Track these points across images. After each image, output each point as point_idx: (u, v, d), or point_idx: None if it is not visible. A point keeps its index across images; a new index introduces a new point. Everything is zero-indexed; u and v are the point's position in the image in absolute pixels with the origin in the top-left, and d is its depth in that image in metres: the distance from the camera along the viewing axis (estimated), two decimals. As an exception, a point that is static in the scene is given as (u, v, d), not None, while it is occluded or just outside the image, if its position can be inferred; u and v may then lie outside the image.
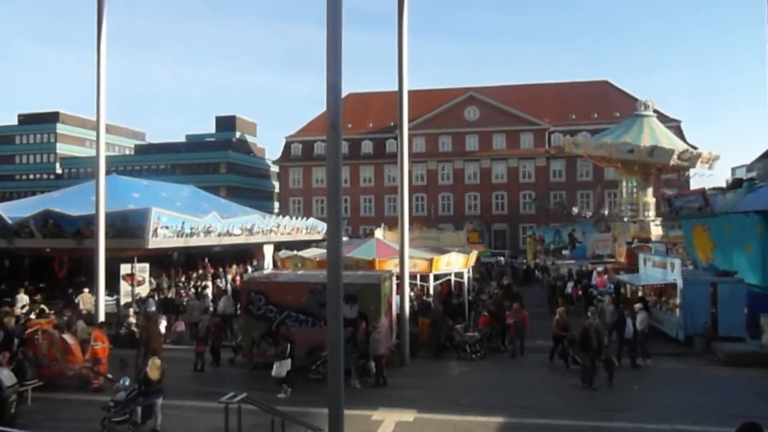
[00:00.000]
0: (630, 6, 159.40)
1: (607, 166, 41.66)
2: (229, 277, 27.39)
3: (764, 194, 20.98)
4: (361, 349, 14.04)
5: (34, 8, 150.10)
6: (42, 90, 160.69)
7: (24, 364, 12.51)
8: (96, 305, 17.26)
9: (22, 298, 19.93)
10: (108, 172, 20.08)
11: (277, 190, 78.23)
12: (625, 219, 35.11)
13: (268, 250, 30.20)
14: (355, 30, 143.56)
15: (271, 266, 28.03)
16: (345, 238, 24.64)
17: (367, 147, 64.74)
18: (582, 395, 13.37)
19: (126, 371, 13.02)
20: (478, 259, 27.12)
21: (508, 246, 58.05)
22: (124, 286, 20.57)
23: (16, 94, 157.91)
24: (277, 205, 75.38)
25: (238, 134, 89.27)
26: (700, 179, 37.59)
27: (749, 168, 78.03)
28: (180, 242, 22.46)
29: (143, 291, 21.06)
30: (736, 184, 31.20)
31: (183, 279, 26.62)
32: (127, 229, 20.16)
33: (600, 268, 28.09)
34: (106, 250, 17.25)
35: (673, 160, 31.68)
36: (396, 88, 16.37)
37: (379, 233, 29.22)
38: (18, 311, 18.05)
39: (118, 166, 61.88)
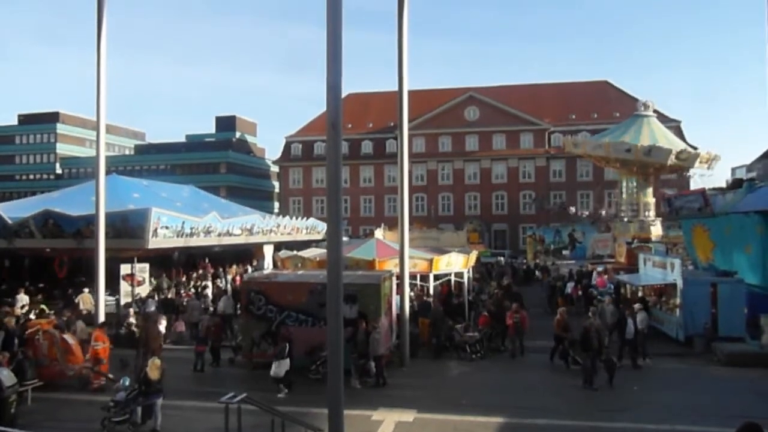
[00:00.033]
0: (630, 6, 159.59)
1: (606, 166, 41.66)
2: (229, 277, 27.39)
3: (764, 194, 20.97)
4: (361, 349, 14.03)
5: (34, 8, 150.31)
6: (42, 90, 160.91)
7: (24, 364, 12.51)
8: (96, 305, 17.26)
9: (22, 298, 19.94)
10: (108, 172, 20.09)
11: (277, 190, 78.23)
12: (625, 219, 35.12)
13: (268, 250, 30.21)
14: (355, 30, 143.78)
15: (271, 266, 28.04)
16: (345, 238, 24.64)
17: (367, 147, 64.74)
18: (582, 395, 13.37)
19: (126, 371, 13.03)
20: (478, 260, 27.12)
21: (508, 246, 58.03)
22: (124, 287, 20.56)
23: (16, 94, 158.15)
24: (277, 205, 75.37)
25: (238, 134, 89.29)
26: (700, 179, 37.56)
27: (749, 168, 78.00)
28: (180, 242, 22.47)
29: (143, 291, 21.06)
30: (736, 184, 31.14)
31: (184, 279, 26.62)
32: (127, 229, 20.17)
33: (600, 269, 28.11)
34: (106, 250, 17.25)
35: (671, 160, 31.69)
36: (396, 88, 16.37)
37: (379, 233, 29.20)
38: (18, 311, 18.05)
39: (118, 166, 61.88)
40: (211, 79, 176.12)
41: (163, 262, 25.60)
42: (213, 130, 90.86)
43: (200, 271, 28.14)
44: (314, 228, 35.15)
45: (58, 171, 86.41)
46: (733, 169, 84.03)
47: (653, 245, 30.02)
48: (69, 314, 17.55)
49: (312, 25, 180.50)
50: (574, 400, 12.95)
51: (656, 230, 34.02)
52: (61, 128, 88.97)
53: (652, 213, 34.93)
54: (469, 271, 22.71)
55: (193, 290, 23.84)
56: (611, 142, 33.64)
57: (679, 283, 18.36)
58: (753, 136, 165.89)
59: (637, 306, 17.33)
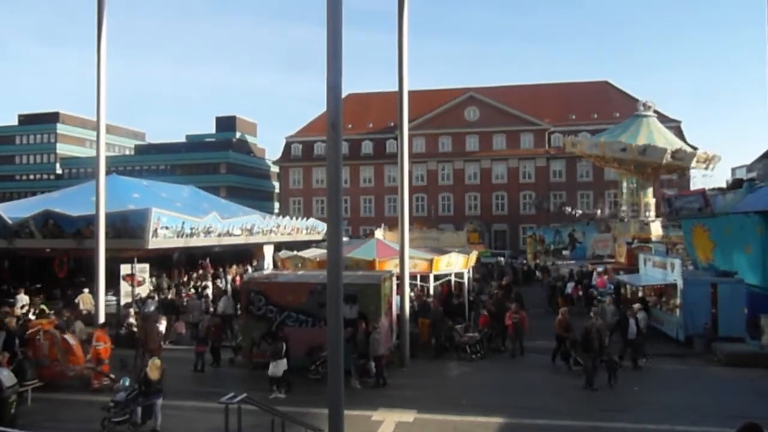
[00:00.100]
0: (630, 6, 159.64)
1: (605, 166, 41.66)
2: (229, 277, 27.38)
3: (764, 194, 20.96)
4: (361, 349, 14.03)
5: (34, 8, 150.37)
6: (42, 90, 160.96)
7: (24, 365, 12.50)
8: (96, 306, 17.26)
9: (22, 299, 19.94)
10: (108, 173, 20.08)
11: (277, 190, 78.26)
12: (625, 219, 35.12)
13: (268, 251, 30.20)
14: (356, 30, 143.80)
15: (271, 266, 28.03)
16: (345, 239, 24.62)
17: (367, 147, 64.76)
18: (582, 395, 13.37)
19: (125, 371, 13.03)
20: (478, 260, 27.12)
21: (508, 246, 58.04)
22: (124, 287, 20.56)
23: (16, 94, 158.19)
24: (277, 205, 75.40)
25: (238, 134, 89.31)
26: (701, 180, 37.66)
27: (749, 168, 77.97)
28: (180, 242, 22.47)
29: (143, 291, 21.06)
30: (736, 184, 31.14)
31: (184, 279, 26.63)
32: (127, 230, 20.17)
33: (600, 269, 28.11)
34: (106, 250, 17.25)
35: (666, 159, 31.68)
36: (396, 89, 16.37)
37: (379, 233, 29.20)
38: (18, 311, 18.05)
39: (118, 166, 61.89)
40: (211, 79, 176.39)
41: (163, 262, 25.62)
42: (213, 131, 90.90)
43: (200, 272, 28.15)
44: (314, 228, 35.15)
45: (58, 171, 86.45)
46: (733, 170, 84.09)
47: (653, 245, 30.03)
48: (68, 314, 17.55)
49: (312, 25, 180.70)
50: (574, 401, 12.95)
51: (656, 230, 34.00)
52: (61, 128, 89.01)
53: (652, 213, 34.92)
54: (469, 272, 22.71)
55: (193, 290, 23.84)
56: (607, 141, 33.67)
57: (679, 284, 18.36)
58: (753, 136, 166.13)
59: (636, 306, 17.35)
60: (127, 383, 11.21)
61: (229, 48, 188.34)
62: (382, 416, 11.58)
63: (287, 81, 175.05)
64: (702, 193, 23.58)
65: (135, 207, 21.85)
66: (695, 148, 35.41)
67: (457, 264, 20.78)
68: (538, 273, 36.76)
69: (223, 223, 25.27)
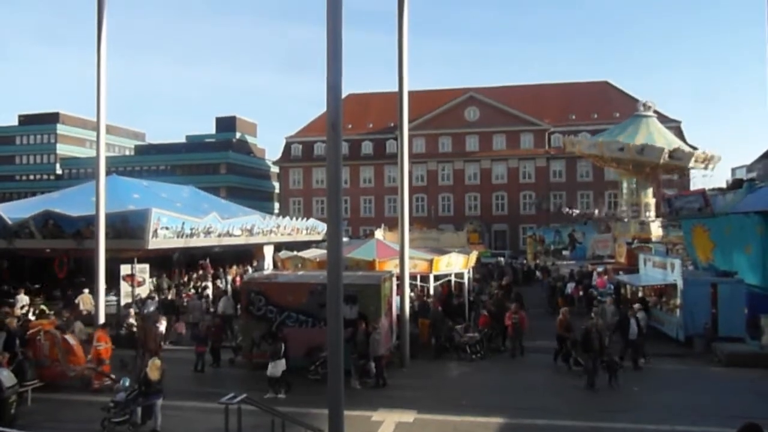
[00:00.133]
0: (630, 6, 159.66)
1: (604, 166, 41.74)
2: (230, 277, 27.38)
3: (764, 195, 20.97)
4: (360, 349, 14.03)
5: (34, 8, 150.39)
6: (42, 90, 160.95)
7: (24, 365, 12.51)
8: (96, 306, 17.26)
9: (22, 299, 19.94)
10: (108, 173, 20.07)
11: (277, 190, 78.28)
12: (626, 219, 35.13)
13: (269, 251, 30.20)
14: (355, 30, 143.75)
15: (271, 267, 28.04)
16: (345, 239, 24.63)
17: (367, 147, 64.78)
18: (582, 396, 13.37)
19: (125, 372, 13.03)
20: (478, 260, 27.12)
21: (508, 246, 58.05)
22: (124, 287, 20.57)
23: (16, 94, 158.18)
24: (277, 205, 75.40)
25: (238, 135, 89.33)
26: (701, 180, 37.73)
27: (749, 168, 77.95)
28: (180, 243, 22.46)
29: (143, 292, 21.07)
30: (736, 184, 31.15)
31: (184, 279, 26.63)
32: (127, 230, 20.17)
33: (600, 269, 28.11)
34: (106, 250, 17.24)
35: (664, 159, 31.71)
36: (396, 89, 16.38)
37: (379, 234, 29.21)
38: (18, 312, 18.05)
39: (118, 166, 61.87)
40: (211, 79, 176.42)
41: (163, 262, 25.60)
42: (213, 131, 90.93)
43: (200, 272, 28.15)
44: (314, 228, 35.15)
45: (59, 171, 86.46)
46: (734, 170, 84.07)
47: (653, 245, 30.03)
48: (68, 315, 17.55)
49: (312, 25, 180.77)
50: (574, 401, 12.94)
51: (656, 230, 34.01)
52: (61, 129, 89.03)
53: (652, 213, 34.94)
54: (469, 272, 22.71)
55: (193, 291, 23.84)
56: (604, 141, 33.73)
57: (680, 284, 18.36)
58: (753, 136, 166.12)
59: (636, 306, 17.35)
60: (127, 383, 11.21)
61: (229, 48, 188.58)
62: (382, 416, 11.58)
63: (287, 81, 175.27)
64: (702, 193, 23.58)
65: (135, 207, 21.85)
66: (695, 148, 35.45)
67: (457, 264, 20.78)
68: (538, 273, 36.75)
69: (223, 224, 25.28)
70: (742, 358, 15.80)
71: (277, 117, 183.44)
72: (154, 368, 10.85)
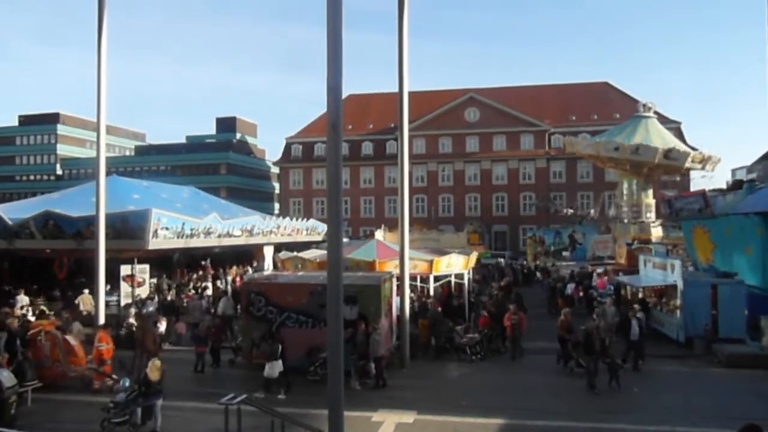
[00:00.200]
0: (630, 6, 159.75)
1: (602, 166, 41.76)
2: (229, 278, 27.39)
3: (764, 195, 20.96)
4: (360, 350, 14.03)
5: (34, 8, 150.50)
6: (42, 90, 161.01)
7: (24, 365, 12.51)
8: (96, 306, 17.26)
9: (22, 299, 19.94)
10: (108, 173, 20.07)
11: (277, 191, 78.31)
12: (626, 220, 35.14)
13: (269, 252, 30.21)
14: (356, 31, 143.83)
15: (271, 267, 28.03)
16: (345, 240, 24.63)
17: (367, 148, 64.79)
18: (582, 397, 13.36)
19: (123, 372, 13.03)
20: (478, 261, 27.12)
21: (508, 247, 58.08)
22: (125, 288, 20.57)
23: (16, 95, 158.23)
24: (277, 206, 75.42)
25: (238, 135, 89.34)
26: (701, 181, 37.79)
27: (749, 169, 77.85)
28: (180, 243, 22.46)
29: (143, 292, 21.07)
30: (736, 185, 31.15)
31: (185, 280, 26.63)
32: (128, 230, 20.17)
33: (600, 270, 28.09)
34: (107, 251, 17.24)
35: (659, 158, 31.73)
36: (396, 90, 16.38)
37: (379, 234, 29.24)
38: (17, 312, 18.05)
39: (119, 167, 61.89)
40: (211, 79, 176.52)
41: (163, 263, 25.61)
42: (213, 131, 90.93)
43: (200, 273, 28.15)
44: (314, 229, 35.15)
45: (59, 172, 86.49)
46: (734, 171, 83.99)
47: (653, 246, 30.03)
48: (67, 315, 17.55)
49: (312, 25, 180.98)
50: (574, 402, 12.93)
51: (656, 231, 34.01)
52: (61, 129, 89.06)
53: (652, 214, 34.95)
54: (469, 273, 22.70)
55: (193, 291, 23.83)
56: (601, 141, 33.75)
57: (680, 285, 18.35)
58: (753, 137, 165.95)
59: (636, 307, 17.33)
60: (127, 384, 11.21)
61: (229, 48, 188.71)
62: (382, 417, 11.58)
63: (287, 81, 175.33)
64: (702, 194, 23.56)
65: (135, 208, 21.84)
66: (695, 149, 35.47)
67: (457, 265, 20.78)
68: (538, 274, 36.76)
69: (223, 224, 25.28)
70: (743, 359, 15.78)
71: (277, 117, 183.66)
72: (154, 369, 10.84)
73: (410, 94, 17.01)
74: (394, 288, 17.08)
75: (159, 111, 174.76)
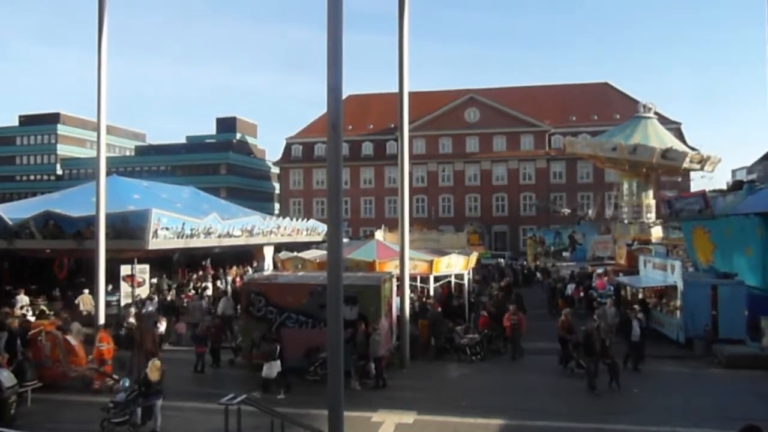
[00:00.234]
0: (630, 7, 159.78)
1: (603, 167, 41.81)
2: (230, 278, 27.40)
3: (765, 196, 20.96)
4: (360, 350, 14.04)
5: (34, 8, 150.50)
6: (42, 90, 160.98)
7: (24, 365, 12.52)
8: (96, 306, 17.26)
9: (22, 299, 19.94)
10: (108, 173, 20.07)
11: (277, 191, 78.31)
12: (626, 221, 35.16)
13: (269, 252, 30.21)
14: (356, 32, 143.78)
15: (271, 268, 28.03)
16: (345, 240, 24.62)
17: (367, 148, 64.80)
18: (582, 397, 13.35)
19: (123, 372, 13.04)
20: (478, 261, 27.11)
21: (508, 248, 58.06)
22: (125, 288, 20.57)
23: (16, 95, 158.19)
24: (277, 206, 75.42)
25: (238, 135, 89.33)
26: (701, 181, 37.85)
27: (749, 170, 77.85)
28: (180, 243, 22.46)
29: (143, 292, 21.07)
30: (736, 186, 31.17)
31: (185, 280, 26.63)
32: (128, 231, 20.17)
33: (600, 270, 28.08)
34: (107, 251, 17.24)
35: (657, 158, 31.74)
36: (396, 90, 16.40)
37: (379, 235, 29.21)
38: (18, 312, 18.05)
39: (119, 167, 61.82)
40: (211, 79, 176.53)
41: (163, 263, 25.62)
42: (213, 132, 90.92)
43: (200, 273, 28.15)
44: (314, 229, 35.17)
45: (59, 172, 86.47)
46: (734, 171, 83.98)
47: (653, 247, 30.02)
48: (66, 315, 17.54)
49: (312, 25, 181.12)
50: (574, 402, 12.93)
51: (656, 232, 34.03)
52: (61, 129, 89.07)
53: (652, 215, 34.98)
54: (469, 273, 22.71)
55: (193, 291, 23.83)
56: (598, 141, 33.80)
57: (680, 285, 18.35)
58: (754, 137, 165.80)
59: (636, 308, 17.33)
60: (127, 384, 11.21)
61: (229, 48, 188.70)
62: (382, 417, 11.58)
63: (287, 82, 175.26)
64: (702, 194, 23.55)
65: (135, 208, 21.84)
66: (695, 150, 35.50)
67: (457, 265, 20.78)
68: (538, 274, 36.75)
69: (223, 224, 25.29)
70: (743, 360, 15.78)
71: (277, 118, 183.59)
72: (154, 369, 10.85)
73: (410, 94, 17.02)
74: (394, 288, 17.08)
75: (159, 111, 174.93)
